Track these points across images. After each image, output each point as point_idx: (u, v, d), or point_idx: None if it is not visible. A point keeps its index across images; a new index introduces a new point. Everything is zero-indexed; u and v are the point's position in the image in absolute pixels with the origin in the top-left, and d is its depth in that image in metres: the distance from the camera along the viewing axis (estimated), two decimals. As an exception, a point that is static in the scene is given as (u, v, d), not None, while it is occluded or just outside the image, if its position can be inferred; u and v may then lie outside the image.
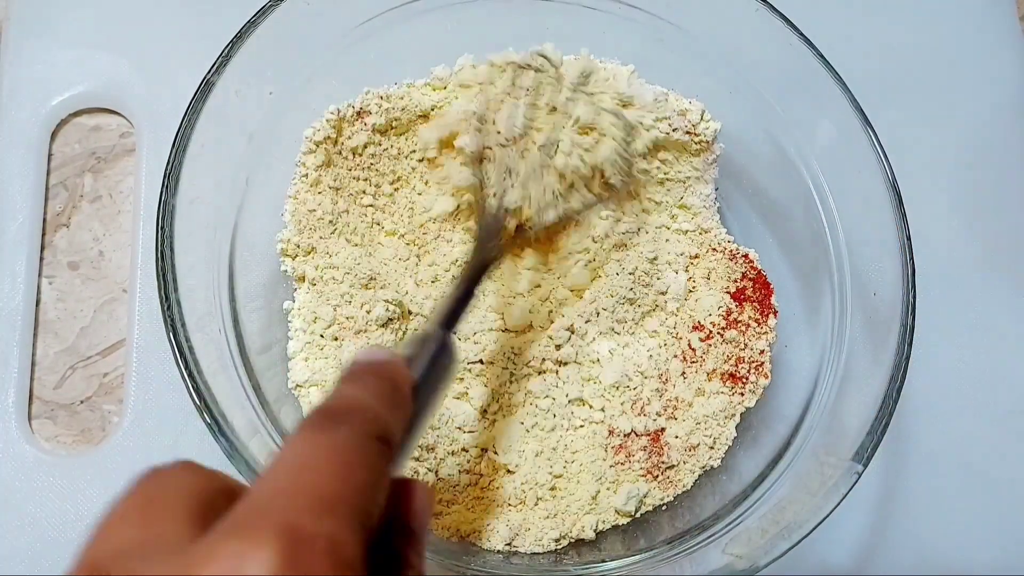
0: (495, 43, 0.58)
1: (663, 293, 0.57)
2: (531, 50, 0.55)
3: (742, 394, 0.55)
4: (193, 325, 0.46)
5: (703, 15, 0.57)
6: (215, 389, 0.45)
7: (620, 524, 0.53)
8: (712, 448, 0.54)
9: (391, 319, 0.53)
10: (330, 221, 0.55)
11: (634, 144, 0.55)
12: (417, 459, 0.51)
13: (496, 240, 0.49)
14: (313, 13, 0.53)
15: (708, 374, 0.56)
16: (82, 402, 0.57)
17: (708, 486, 0.54)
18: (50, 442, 0.56)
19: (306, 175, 0.54)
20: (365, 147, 0.56)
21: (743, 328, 0.56)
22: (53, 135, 0.62)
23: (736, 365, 0.56)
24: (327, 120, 0.54)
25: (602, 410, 0.55)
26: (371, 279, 0.54)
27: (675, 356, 0.56)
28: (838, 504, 0.46)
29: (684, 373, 0.56)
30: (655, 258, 0.57)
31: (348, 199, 0.56)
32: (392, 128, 0.57)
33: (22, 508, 0.53)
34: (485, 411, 0.53)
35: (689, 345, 0.56)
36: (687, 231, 0.59)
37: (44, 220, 0.60)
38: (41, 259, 0.59)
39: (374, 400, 0.31)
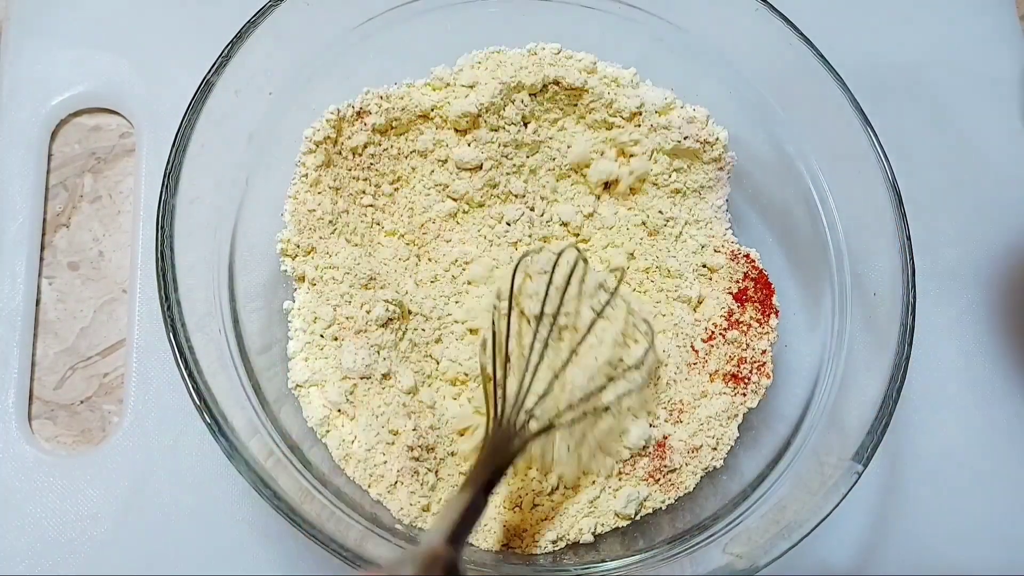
0: (495, 43, 0.58)
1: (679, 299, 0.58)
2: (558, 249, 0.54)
3: (744, 394, 0.55)
4: (193, 325, 0.46)
5: (703, 15, 0.57)
6: (215, 389, 0.45)
7: (620, 526, 0.53)
8: (715, 449, 0.54)
9: (391, 319, 0.53)
10: (330, 221, 0.55)
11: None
12: (417, 459, 0.51)
13: (509, 448, 0.45)
14: (313, 13, 0.53)
15: (711, 375, 0.56)
16: (82, 402, 0.57)
17: (709, 486, 0.54)
18: (50, 442, 0.56)
19: (306, 175, 0.54)
20: (365, 147, 0.56)
21: (745, 328, 0.56)
22: (53, 135, 0.62)
23: (738, 365, 0.56)
24: (327, 120, 0.54)
25: None
26: (371, 279, 0.54)
27: (682, 359, 0.56)
28: (838, 504, 0.46)
29: (687, 375, 0.56)
30: (678, 295, 0.58)
31: (348, 199, 0.56)
32: (392, 128, 0.57)
33: (22, 508, 0.53)
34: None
35: (692, 347, 0.56)
36: (703, 245, 0.59)
37: (44, 220, 0.60)
38: (41, 259, 0.59)
39: None
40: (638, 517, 0.53)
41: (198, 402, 0.44)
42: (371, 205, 0.57)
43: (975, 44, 0.72)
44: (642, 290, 0.58)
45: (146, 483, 0.54)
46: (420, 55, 0.58)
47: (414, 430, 0.51)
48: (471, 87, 0.57)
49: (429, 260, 0.58)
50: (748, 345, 0.56)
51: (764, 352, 0.56)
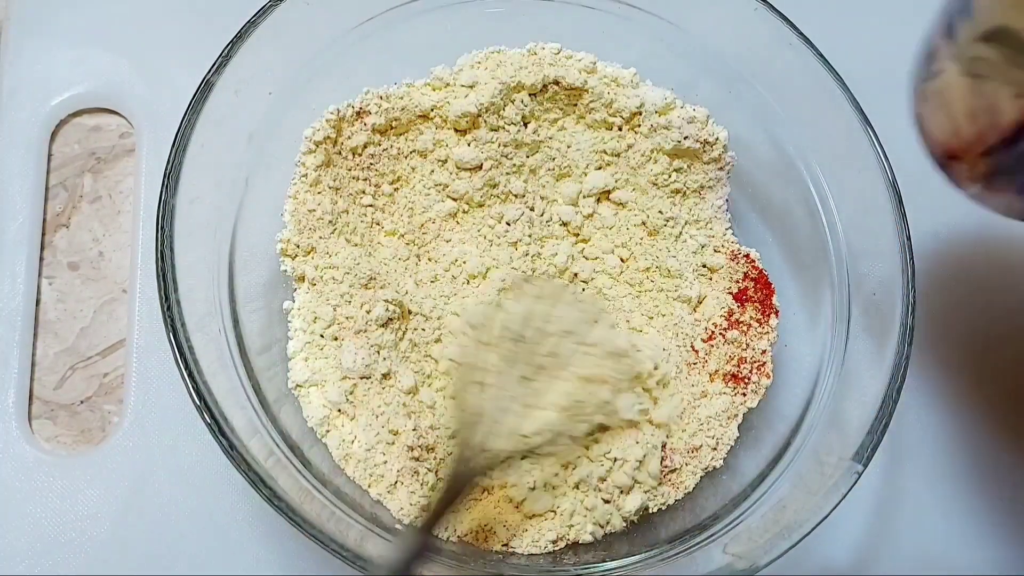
0: (495, 43, 0.58)
1: (679, 300, 0.58)
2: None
3: (744, 394, 0.55)
4: (193, 325, 0.46)
5: (703, 15, 0.57)
6: (215, 389, 0.45)
7: (620, 527, 0.53)
8: (715, 449, 0.54)
9: (391, 319, 0.53)
10: (330, 221, 0.55)
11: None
12: (417, 459, 0.51)
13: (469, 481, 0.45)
14: (313, 13, 0.53)
15: (711, 375, 0.56)
16: (82, 402, 0.57)
17: (709, 486, 0.54)
18: (50, 442, 0.56)
19: (306, 175, 0.54)
20: (365, 147, 0.56)
21: (745, 328, 0.56)
22: (53, 135, 0.62)
23: (738, 365, 0.56)
24: (327, 120, 0.54)
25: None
26: (371, 279, 0.54)
27: (682, 359, 0.56)
28: (838, 504, 0.46)
29: (687, 375, 0.56)
30: (678, 295, 0.58)
31: (348, 199, 0.56)
32: (392, 128, 0.57)
33: (22, 508, 0.53)
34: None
35: (692, 347, 0.57)
36: (703, 245, 0.59)
37: (44, 220, 0.60)
38: (41, 259, 0.59)
39: None
40: (637, 518, 0.53)
41: (198, 402, 0.44)
42: (371, 205, 0.57)
43: (975, 44, 0.72)
44: (642, 290, 0.58)
45: (146, 483, 0.54)
46: (420, 55, 0.58)
47: (414, 430, 0.51)
48: (471, 87, 0.57)
49: (429, 260, 0.58)
50: (748, 345, 0.56)
51: (764, 352, 0.56)
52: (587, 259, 0.59)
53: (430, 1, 0.56)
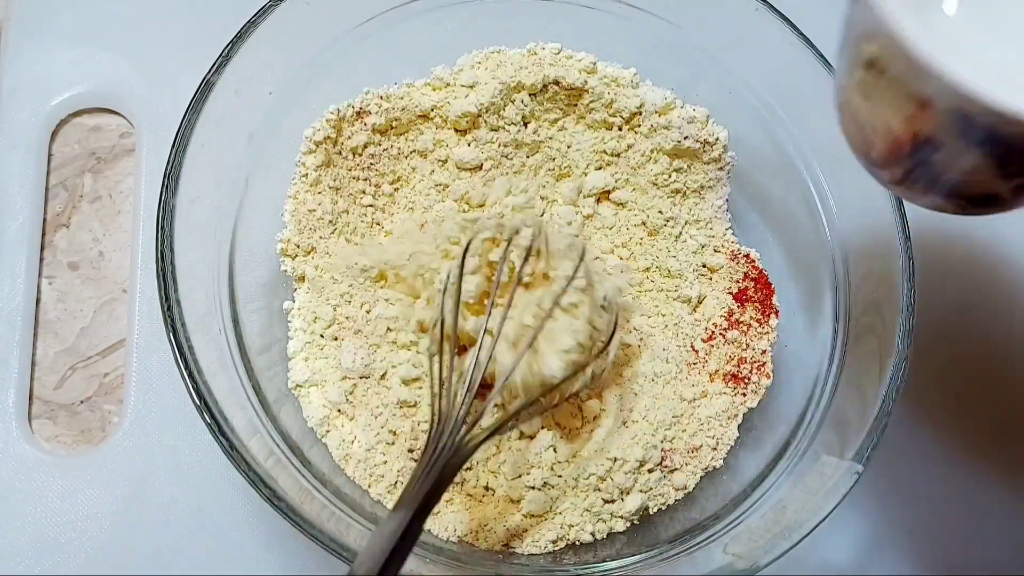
0: (495, 43, 0.58)
1: (679, 299, 0.58)
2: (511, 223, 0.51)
3: (744, 394, 0.55)
4: (193, 325, 0.46)
5: (703, 15, 0.57)
6: (215, 389, 0.45)
7: (620, 527, 0.53)
8: (715, 449, 0.54)
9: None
10: (330, 221, 0.55)
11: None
12: (417, 460, 0.51)
13: (453, 459, 0.41)
14: (313, 13, 0.53)
15: (711, 375, 0.56)
16: (82, 402, 0.57)
17: (709, 486, 0.54)
18: (50, 442, 0.56)
19: (306, 175, 0.54)
20: (365, 147, 0.56)
21: (745, 328, 0.56)
22: (53, 135, 0.62)
23: (738, 365, 0.56)
24: (327, 120, 0.54)
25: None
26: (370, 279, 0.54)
27: (682, 359, 0.56)
28: (838, 504, 0.46)
29: (687, 375, 0.56)
30: (678, 295, 0.58)
31: (348, 199, 0.56)
32: (392, 128, 0.57)
33: (22, 508, 0.53)
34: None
35: (692, 347, 0.56)
36: (703, 245, 0.59)
37: (44, 220, 0.60)
38: (41, 259, 0.59)
39: None
40: (637, 518, 0.53)
41: (198, 402, 0.44)
42: (371, 205, 0.57)
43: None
44: (642, 290, 0.58)
45: (146, 483, 0.54)
46: (420, 55, 0.58)
47: (411, 430, 0.51)
48: (471, 87, 0.57)
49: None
50: (748, 345, 0.56)
51: (764, 352, 0.56)
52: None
53: (430, 1, 0.56)
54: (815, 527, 0.46)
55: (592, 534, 0.52)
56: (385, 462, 0.51)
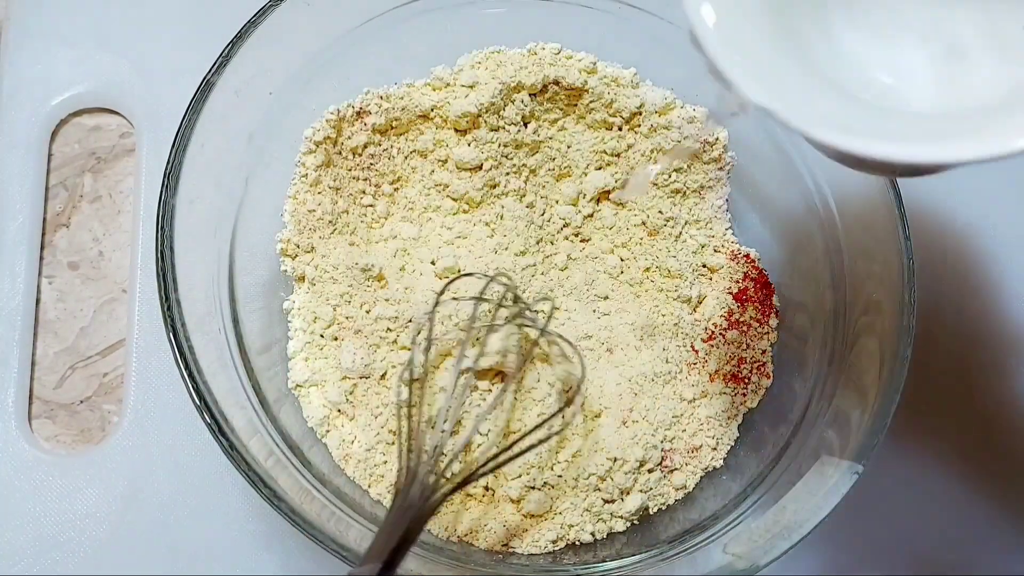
0: (495, 43, 0.58)
1: (679, 299, 0.58)
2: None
3: (744, 394, 0.55)
4: (193, 325, 0.46)
5: (703, 15, 0.57)
6: (215, 389, 0.45)
7: (620, 527, 0.53)
8: (715, 449, 0.54)
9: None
10: (330, 221, 0.55)
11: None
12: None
13: (422, 509, 0.41)
14: (313, 13, 0.53)
15: (711, 375, 0.56)
16: (82, 402, 0.57)
17: (709, 486, 0.54)
18: (50, 442, 0.56)
19: (306, 175, 0.54)
20: (365, 147, 0.56)
21: (745, 328, 0.56)
22: (53, 135, 0.62)
23: (738, 365, 0.56)
24: (327, 120, 0.54)
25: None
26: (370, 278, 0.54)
27: (682, 359, 0.56)
28: (838, 504, 0.46)
29: (687, 375, 0.56)
30: (678, 295, 0.57)
31: (348, 199, 0.56)
32: (392, 128, 0.57)
33: (22, 508, 0.53)
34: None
35: (692, 347, 0.57)
36: (703, 245, 0.59)
37: (44, 220, 0.60)
38: (41, 259, 0.59)
39: None
40: (637, 518, 0.53)
41: (198, 402, 0.44)
42: (371, 205, 0.57)
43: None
44: (642, 290, 0.58)
45: (146, 483, 0.54)
46: (420, 55, 0.58)
47: (412, 430, 0.51)
48: (471, 87, 0.57)
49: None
50: (748, 345, 0.56)
51: (764, 352, 0.56)
52: (587, 259, 0.59)
53: (430, 1, 0.56)
54: (815, 527, 0.46)
55: (592, 534, 0.52)
56: (385, 462, 0.51)
